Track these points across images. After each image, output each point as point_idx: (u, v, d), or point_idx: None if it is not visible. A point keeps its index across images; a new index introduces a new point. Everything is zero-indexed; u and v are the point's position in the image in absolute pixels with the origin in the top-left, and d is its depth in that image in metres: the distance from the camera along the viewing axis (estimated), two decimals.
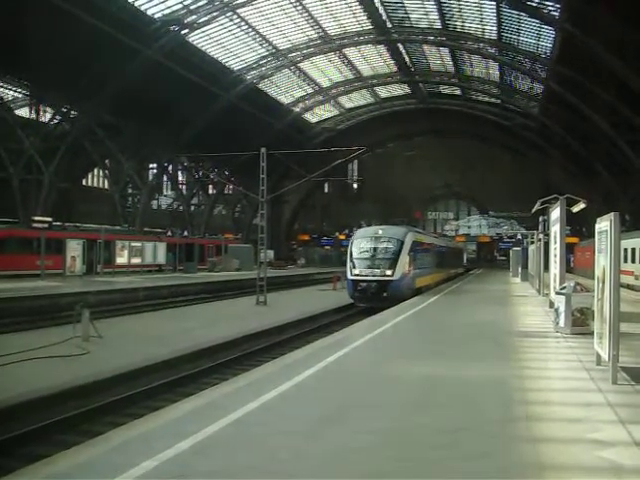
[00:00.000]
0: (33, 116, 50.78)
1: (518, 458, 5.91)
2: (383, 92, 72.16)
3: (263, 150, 27.94)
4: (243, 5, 44.30)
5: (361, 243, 28.35)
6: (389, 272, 26.82)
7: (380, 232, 28.72)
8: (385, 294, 26.37)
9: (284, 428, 6.90)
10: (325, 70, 61.82)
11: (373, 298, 26.57)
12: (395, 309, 21.46)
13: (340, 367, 10.85)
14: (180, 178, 79.54)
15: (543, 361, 11.43)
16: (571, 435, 6.62)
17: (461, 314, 20.14)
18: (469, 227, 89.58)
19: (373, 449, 6.15)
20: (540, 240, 29.33)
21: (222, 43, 49.28)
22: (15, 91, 52.68)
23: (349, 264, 27.94)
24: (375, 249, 27.78)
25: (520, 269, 44.09)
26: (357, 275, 27.23)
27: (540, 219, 28.91)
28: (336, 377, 10.06)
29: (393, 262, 27.10)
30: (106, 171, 61.51)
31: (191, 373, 13.71)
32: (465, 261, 67.12)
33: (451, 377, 9.75)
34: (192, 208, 73.38)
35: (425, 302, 24.24)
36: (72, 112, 49.69)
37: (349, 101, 73.06)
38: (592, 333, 10.85)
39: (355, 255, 27.98)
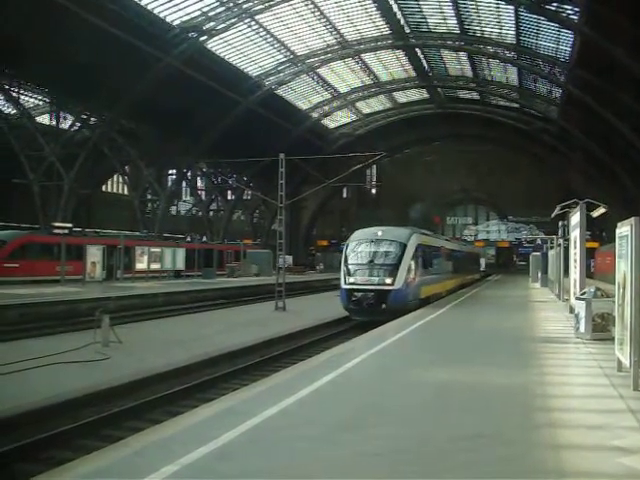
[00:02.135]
0: (53, 123, 51.25)
1: (539, 464, 5.89)
2: (401, 97, 72.00)
3: (282, 156, 28.02)
4: (261, 11, 44.43)
5: (357, 246, 24.86)
6: (389, 280, 23.29)
7: (380, 234, 24.95)
8: (384, 306, 22.95)
9: (303, 433, 6.91)
10: (343, 76, 61.85)
11: (370, 310, 23.13)
12: (412, 315, 21.33)
13: (358, 373, 10.86)
14: (199, 184, 80.00)
15: (563, 367, 11.38)
16: (592, 442, 6.59)
17: (480, 320, 20.07)
18: (488, 232, 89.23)
19: (391, 454, 6.15)
20: (560, 245, 29.14)
21: (240, 49, 49.42)
22: (36, 98, 53.16)
23: (343, 270, 24.48)
24: (373, 253, 24.24)
25: (540, 274, 43.86)
26: (352, 284, 23.74)
27: (560, 224, 28.68)
28: (354, 383, 10.08)
29: (394, 268, 23.56)
30: (126, 177, 61.94)
31: (211, 378, 13.75)
32: (484, 266, 66.58)
33: (470, 383, 9.72)
34: (211, 214, 73.73)
35: (443, 308, 24.13)
36: (92, 119, 50.11)
37: (367, 106, 72.99)
38: (613, 339, 10.78)
39: (350, 260, 24.49)
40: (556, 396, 8.85)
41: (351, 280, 23.84)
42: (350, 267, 24.24)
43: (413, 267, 24.39)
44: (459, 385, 9.59)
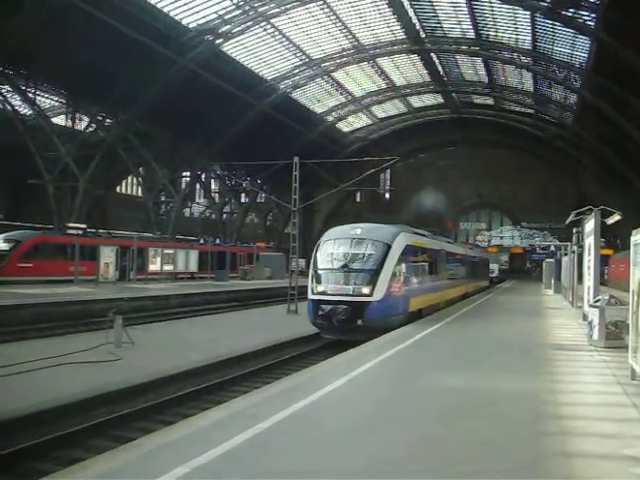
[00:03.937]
0: (69, 124, 51.52)
1: (550, 473, 5.85)
2: (416, 102, 71.93)
3: (296, 159, 28.04)
4: (277, 15, 44.51)
5: (330, 248, 20.51)
6: (366, 290, 18.91)
7: (359, 232, 20.68)
8: (360, 321, 18.56)
9: (313, 438, 6.92)
10: (358, 79, 61.83)
11: (342, 327, 18.70)
12: (424, 320, 21.25)
13: (370, 378, 10.84)
14: (213, 186, 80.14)
15: (576, 375, 11.31)
16: (604, 450, 6.54)
17: (493, 327, 19.99)
18: (502, 238, 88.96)
19: (402, 460, 6.14)
20: (574, 252, 28.98)
21: (256, 52, 49.52)
22: (52, 99, 53.46)
23: (311, 276, 20.17)
24: (349, 256, 19.77)
25: (553, 281, 43.64)
26: (321, 293, 19.27)
27: (574, 230, 28.48)
28: (365, 388, 10.06)
29: (374, 275, 19.15)
30: (140, 179, 62.15)
31: (222, 381, 13.76)
32: (497, 272, 66.05)
33: (482, 390, 9.68)
34: (224, 216, 73.82)
35: (455, 314, 24.04)
36: (107, 120, 50.36)
37: (382, 111, 72.94)
38: (627, 347, 10.71)
39: (320, 265, 20.11)
40: (568, 404, 8.80)
41: (320, 289, 19.42)
42: (319, 272, 19.92)
43: (399, 273, 20.07)
44: (471, 392, 9.54)
